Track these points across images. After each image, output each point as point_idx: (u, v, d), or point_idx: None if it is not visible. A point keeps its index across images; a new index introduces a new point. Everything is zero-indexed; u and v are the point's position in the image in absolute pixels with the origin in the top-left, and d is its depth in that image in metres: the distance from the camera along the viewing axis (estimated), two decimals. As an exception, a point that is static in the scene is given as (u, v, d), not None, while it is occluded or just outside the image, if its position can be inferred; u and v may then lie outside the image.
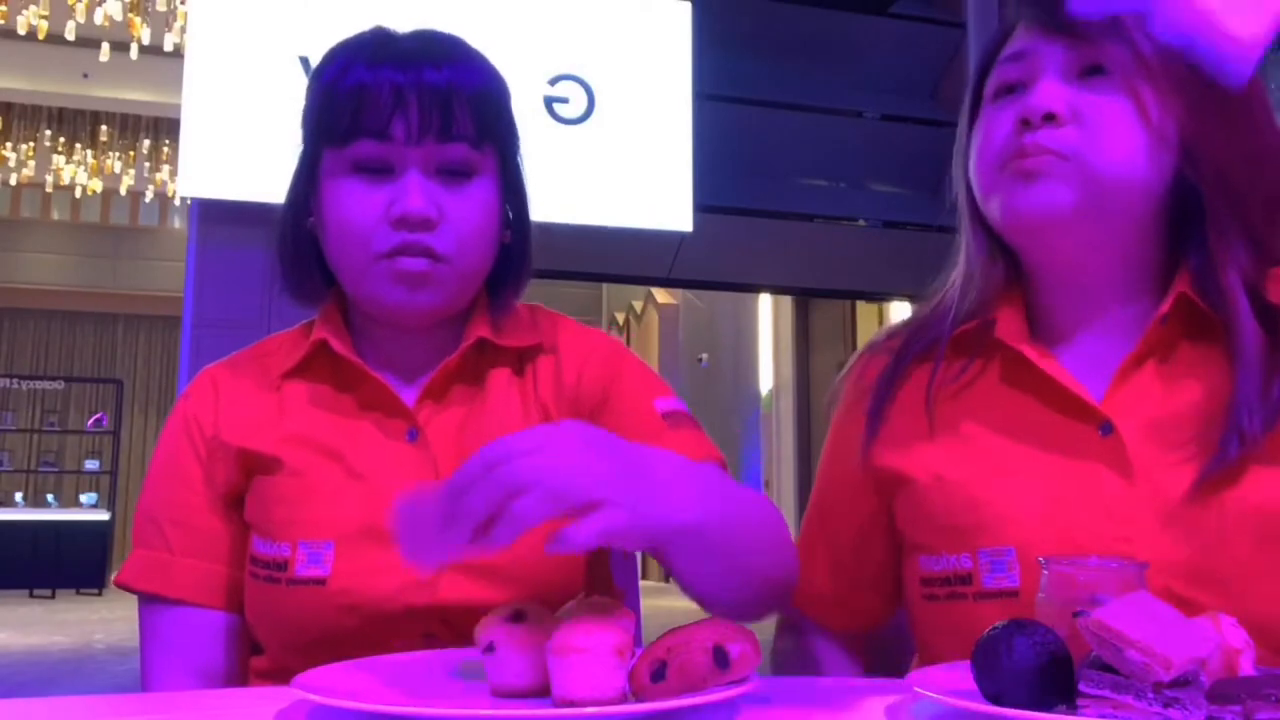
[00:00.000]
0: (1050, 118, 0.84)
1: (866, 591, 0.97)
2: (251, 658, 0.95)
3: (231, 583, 0.94)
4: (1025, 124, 0.85)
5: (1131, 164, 0.84)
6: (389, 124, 0.91)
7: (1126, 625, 0.56)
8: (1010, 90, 0.89)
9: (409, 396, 0.97)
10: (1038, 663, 0.58)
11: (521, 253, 1.02)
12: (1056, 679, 0.58)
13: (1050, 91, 0.85)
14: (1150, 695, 0.55)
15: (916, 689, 0.62)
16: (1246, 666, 0.62)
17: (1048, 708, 0.57)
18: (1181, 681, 0.55)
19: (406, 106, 0.91)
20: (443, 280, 0.93)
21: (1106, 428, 0.83)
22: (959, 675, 0.64)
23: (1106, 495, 0.82)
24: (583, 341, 1.03)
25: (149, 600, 0.94)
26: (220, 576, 0.94)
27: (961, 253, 0.96)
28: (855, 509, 0.96)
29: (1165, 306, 0.84)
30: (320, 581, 0.88)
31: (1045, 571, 0.68)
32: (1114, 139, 0.84)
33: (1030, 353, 0.87)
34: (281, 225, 1.00)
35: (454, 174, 0.93)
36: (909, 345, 0.97)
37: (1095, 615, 0.57)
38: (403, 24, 1.01)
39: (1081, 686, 0.57)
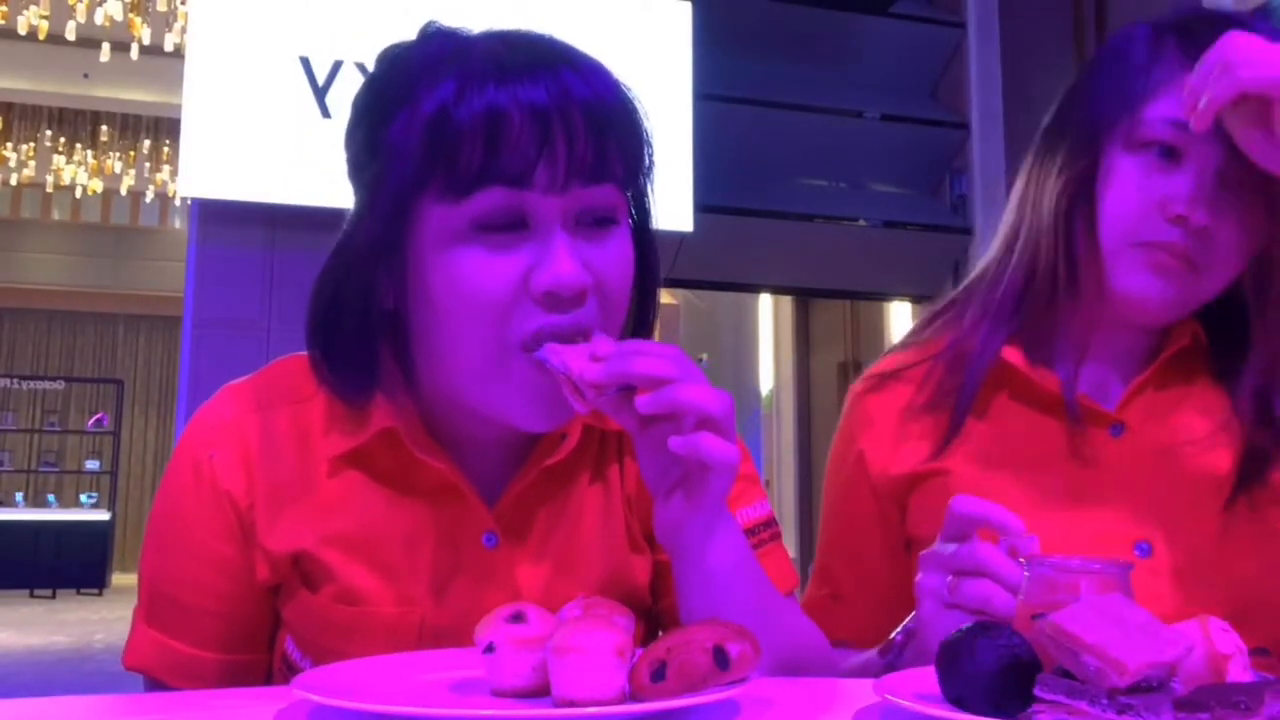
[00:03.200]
0: (1200, 229, 0.87)
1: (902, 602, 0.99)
2: None
3: (265, 667, 0.86)
4: (1179, 219, 0.87)
5: (1230, 276, 0.91)
6: (533, 167, 0.70)
7: (1083, 629, 0.55)
8: (1162, 150, 0.89)
9: (487, 488, 0.82)
10: (999, 666, 0.57)
11: (645, 320, 0.82)
12: (1019, 683, 0.57)
13: (1208, 202, 0.87)
14: (1104, 701, 0.53)
15: (887, 697, 0.61)
16: (1236, 672, 0.61)
17: (1008, 712, 0.56)
18: (1143, 688, 0.53)
19: (553, 140, 0.70)
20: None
21: (1117, 428, 0.92)
22: (929, 679, 0.63)
23: (1125, 488, 0.89)
24: None
25: (169, 688, 0.83)
26: (259, 666, 0.86)
27: (1018, 272, 0.97)
28: (878, 527, 0.99)
29: (1184, 340, 0.93)
30: None
31: (1026, 573, 0.68)
32: (1228, 260, 0.89)
33: (1037, 377, 0.94)
34: (334, 304, 0.76)
35: (596, 221, 0.74)
36: (935, 367, 0.98)
37: (1052, 618, 0.56)
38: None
39: (1036, 691, 0.56)
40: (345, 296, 0.76)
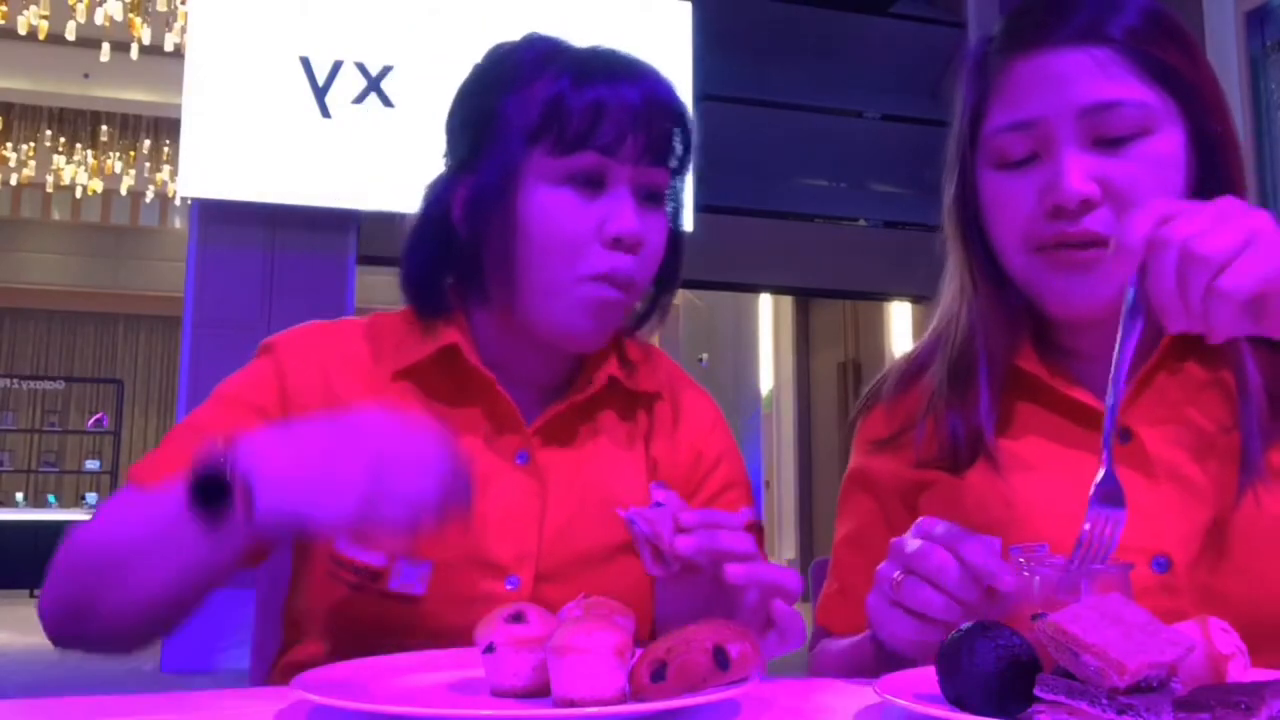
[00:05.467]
0: (1087, 203, 0.82)
1: None
2: (282, 653, 0.94)
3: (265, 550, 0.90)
4: (1059, 210, 0.83)
5: None
6: (622, 141, 0.89)
7: (1083, 629, 0.55)
8: (1017, 164, 0.86)
9: (526, 418, 0.95)
10: (998, 666, 0.57)
11: (670, 287, 0.99)
12: (1018, 683, 0.57)
13: (1080, 172, 0.82)
14: (1104, 701, 0.53)
15: (887, 697, 0.61)
16: (1236, 672, 0.60)
17: (1008, 712, 0.56)
18: (1143, 688, 0.53)
19: (637, 125, 0.90)
20: (623, 311, 0.93)
21: (1125, 435, 0.86)
22: (929, 679, 0.63)
23: (1133, 495, 0.82)
24: (701, 414, 1.03)
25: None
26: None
27: (963, 294, 0.95)
28: (881, 525, 0.97)
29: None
30: (414, 600, 0.87)
31: (1026, 574, 0.67)
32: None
33: (1045, 376, 0.90)
34: (436, 229, 0.95)
35: (647, 198, 0.92)
36: (942, 383, 0.95)
37: (1052, 618, 0.56)
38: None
39: (1037, 691, 0.56)
40: (428, 231, 0.95)
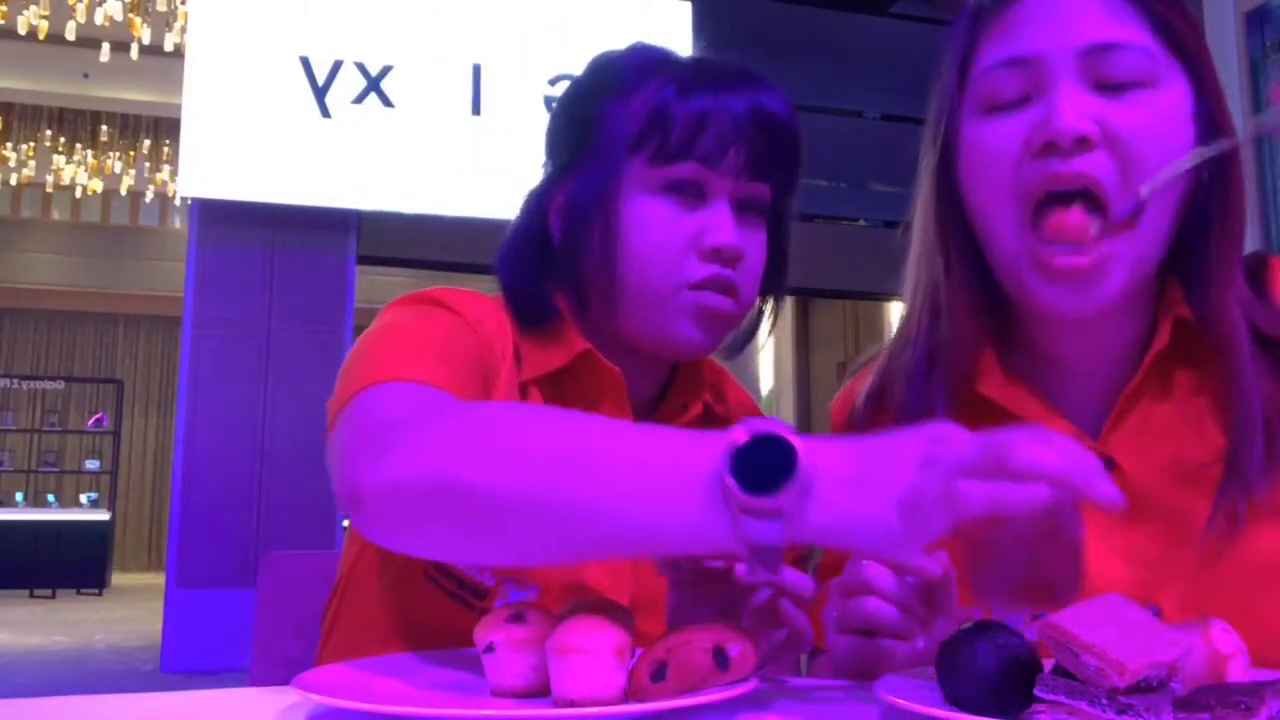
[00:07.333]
0: (1083, 142, 0.74)
1: None
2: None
3: None
4: (1050, 147, 0.74)
5: (1173, 195, 0.76)
6: (724, 153, 0.88)
7: (1083, 629, 0.54)
8: (1007, 106, 0.78)
9: None
10: (999, 666, 0.57)
11: (776, 298, 0.99)
12: (1018, 683, 0.57)
13: (1076, 108, 0.74)
14: (1104, 701, 0.53)
15: (887, 697, 0.61)
16: (1237, 672, 0.60)
17: (1008, 712, 0.56)
18: (1143, 687, 0.53)
19: (739, 138, 0.89)
20: (730, 320, 0.91)
21: (1106, 465, 0.79)
22: (929, 679, 0.63)
23: (1123, 537, 0.78)
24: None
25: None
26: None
27: (927, 290, 0.87)
28: None
29: (1164, 339, 0.79)
30: None
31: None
32: (1156, 170, 0.74)
33: (1015, 405, 0.82)
34: (534, 236, 0.94)
35: (747, 210, 0.91)
36: (905, 394, 0.88)
37: (1052, 618, 0.56)
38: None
39: (1037, 691, 0.55)
40: (527, 238, 0.94)
